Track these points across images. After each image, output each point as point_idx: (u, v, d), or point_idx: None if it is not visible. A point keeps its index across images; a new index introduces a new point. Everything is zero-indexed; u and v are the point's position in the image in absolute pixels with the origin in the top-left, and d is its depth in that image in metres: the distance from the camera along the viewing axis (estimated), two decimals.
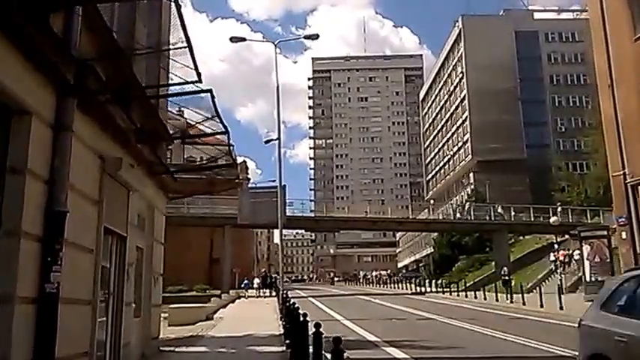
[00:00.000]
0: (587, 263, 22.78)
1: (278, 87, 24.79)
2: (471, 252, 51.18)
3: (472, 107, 69.06)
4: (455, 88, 75.88)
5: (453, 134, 76.95)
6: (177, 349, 11.02)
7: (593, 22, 18.12)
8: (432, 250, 62.02)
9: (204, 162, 10.11)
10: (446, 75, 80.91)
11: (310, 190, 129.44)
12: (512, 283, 26.52)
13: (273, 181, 27.34)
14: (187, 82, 6.29)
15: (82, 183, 5.60)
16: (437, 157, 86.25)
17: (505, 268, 28.99)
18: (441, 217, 54.23)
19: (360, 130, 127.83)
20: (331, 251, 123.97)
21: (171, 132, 9.14)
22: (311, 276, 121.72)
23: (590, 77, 46.96)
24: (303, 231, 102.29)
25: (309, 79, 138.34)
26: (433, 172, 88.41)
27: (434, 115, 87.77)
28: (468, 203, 55.37)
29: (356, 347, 10.45)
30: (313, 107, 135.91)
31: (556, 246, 33.56)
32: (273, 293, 35.48)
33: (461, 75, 73.01)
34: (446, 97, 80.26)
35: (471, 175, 69.02)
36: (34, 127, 4.57)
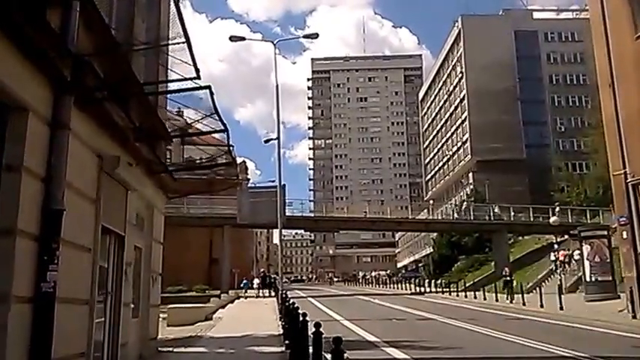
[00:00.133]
0: (587, 263, 22.70)
1: (277, 86, 25.01)
2: (471, 252, 51.17)
3: (471, 107, 69.04)
4: (454, 88, 75.87)
5: (452, 134, 76.93)
6: (175, 350, 10.96)
7: (594, 21, 18.05)
8: (432, 251, 61.99)
9: (204, 160, 10.05)
10: (445, 75, 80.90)
11: (309, 190, 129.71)
12: (514, 284, 26.45)
13: (273, 181, 27.34)
14: (186, 79, 6.23)
15: (79, 181, 5.53)
16: (436, 157, 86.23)
17: (507, 269, 28.90)
18: (440, 218, 54.18)
19: (359, 131, 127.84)
20: (330, 251, 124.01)
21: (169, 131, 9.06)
22: (310, 276, 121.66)
23: (590, 76, 47.10)
24: (302, 231, 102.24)
25: (308, 79, 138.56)
26: (432, 172, 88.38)
27: (433, 115, 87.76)
28: (465, 203, 55.36)
29: (356, 347, 10.39)
30: (312, 107, 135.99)
31: (556, 246, 33.52)
32: (273, 293, 35.45)
33: (460, 75, 73.00)
34: (445, 97, 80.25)
35: (471, 175, 69.01)
36: (31, 124, 4.51)
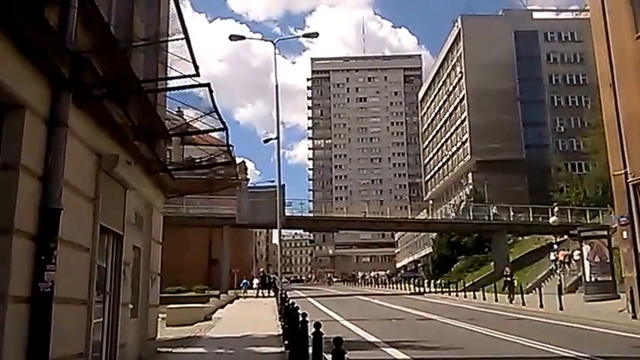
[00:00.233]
0: (587, 263, 22.68)
1: (277, 85, 25.07)
2: (470, 252, 51.18)
3: (471, 107, 69.04)
4: (454, 88, 75.87)
5: (451, 134, 76.93)
6: (174, 350, 10.91)
7: (594, 20, 18.02)
8: (431, 251, 62.00)
9: (203, 160, 10.02)
10: (445, 75, 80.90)
11: (309, 190, 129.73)
12: (515, 284, 26.41)
13: (272, 181, 27.27)
14: (185, 76, 6.19)
15: (77, 180, 5.48)
16: (436, 157, 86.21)
17: (507, 269, 28.84)
18: (439, 218, 54.16)
19: (358, 131, 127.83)
20: (330, 252, 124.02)
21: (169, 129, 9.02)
22: (309, 276, 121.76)
23: (590, 77, 47.14)
24: (301, 231, 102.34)
25: (308, 79, 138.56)
26: (432, 173, 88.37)
27: (433, 115, 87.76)
28: (464, 203, 55.34)
29: (356, 348, 10.35)
30: (312, 108, 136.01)
31: (555, 246, 33.52)
32: (272, 293, 35.41)
33: (460, 75, 73.00)
34: (445, 97, 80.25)
35: (470, 175, 69.01)
36: (28, 122, 4.46)
